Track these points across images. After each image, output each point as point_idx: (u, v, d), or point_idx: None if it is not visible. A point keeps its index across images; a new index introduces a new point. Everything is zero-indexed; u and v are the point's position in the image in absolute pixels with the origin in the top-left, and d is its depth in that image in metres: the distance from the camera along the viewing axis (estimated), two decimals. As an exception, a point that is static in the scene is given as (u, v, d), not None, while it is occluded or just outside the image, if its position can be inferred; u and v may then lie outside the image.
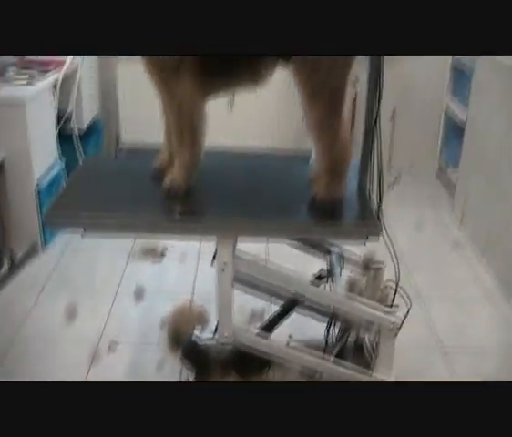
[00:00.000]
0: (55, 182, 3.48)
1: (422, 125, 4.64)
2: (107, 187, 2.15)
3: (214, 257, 2.01)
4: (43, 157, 3.43)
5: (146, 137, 3.70)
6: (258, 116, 4.24)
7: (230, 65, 1.92)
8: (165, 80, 1.92)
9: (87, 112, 4.04)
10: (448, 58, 4.47)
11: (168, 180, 2.01)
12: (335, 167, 1.95)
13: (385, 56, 1.94)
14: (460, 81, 4.29)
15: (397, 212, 3.94)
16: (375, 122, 2.03)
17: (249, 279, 2.20)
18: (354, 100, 3.89)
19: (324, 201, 1.96)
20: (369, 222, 1.95)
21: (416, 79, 4.53)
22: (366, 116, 2.07)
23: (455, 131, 4.31)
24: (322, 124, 1.90)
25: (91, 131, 4.17)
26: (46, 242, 3.45)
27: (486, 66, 3.63)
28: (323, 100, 1.87)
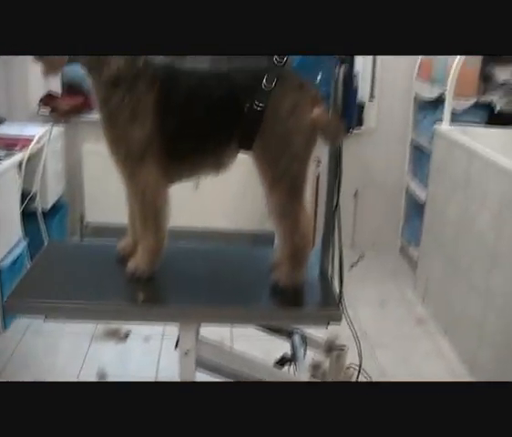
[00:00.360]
0: (17, 262, 3.45)
1: (384, 204, 4.75)
2: (71, 271, 2.14)
3: (177, 343, 2.00)
4: (6, 237, 3.41)
5: (111, 216, 3.71)
6: (223, 196, 4.28)
7: (193, 152, 1.97)
8: (129, 167, 1.95)
9: (51, 191, 4.04)
10: (408, 139, 4.61)
11: (131, 266, 2.02)
12: (296, 254, 1.98)
13: (346, 138, 2.01)
14: (420, 161, 4.42)
15: (361, 289, 4.00)
16: (336, 207, 2.08)
17: (213, 364, 2.19)
18: (317, 182, 3.97)
19: (286, 287, 1.98)
20: (330, 308, 1.97)
21: (378, 159, 4.67)
22: (327, 200, 2.12)
23: (416, 210, 4.41)
24: (283, 210, 1.94)
25: (56, 210, 4.17)
26: (6, 325, 3.40)
27: (443, 147, 3.75)
28: (284, 187, 1.91)
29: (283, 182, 1.91)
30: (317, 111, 1.87)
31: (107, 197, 4.01)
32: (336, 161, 2.04)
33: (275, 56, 1.87)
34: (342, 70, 1.95)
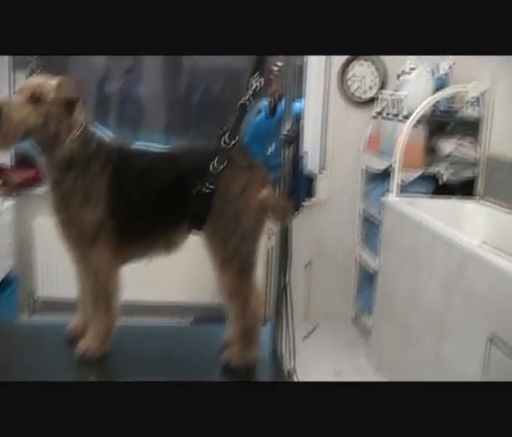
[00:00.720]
0: (-36, 341, 3.36)
1: (336, 274, 4.80)
2: (19, 353, 2.10)
3: (128, 425, 1.97)
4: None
5: (63, 290, 3.67)
6: (176, 269, 4.26)
7: (145, 234, 1.98)
8: (80, 249, 1.94)
9: (1, 266, 3.98)
10: (358, 209, 4.70)
11: (82, 347, 1.99)
12: (247, 333, 1.98)
13: (294, 217, 2.05)
14: (370, 231, 4.51)
15: (315, 360, 4.00)
16: (285, 285, 2.10)
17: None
18: (269, 255, 4.00)
19: (238, 367, 1.98)
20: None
21: (329, 230, 4.74)
22: (278, 277, 2.15)
23: (368, 279, 4.48)
24: (233, 291, 1.95)
25: (5, 285, 4.09)
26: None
27: (392, 219, 3.83)
28: (235, 268, 1.93)
29: (233, 263, 1.93)
30: (266, 192, 1.92)
31: (58, 271, 3.98)
32: (285, 239, 2.08)
33: (224, 138, 1.91)
34: (288, 151, 2.00)
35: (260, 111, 4.01)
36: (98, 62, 4.91)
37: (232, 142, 1.91)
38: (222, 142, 1.91)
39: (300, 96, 4.60)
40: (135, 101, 5.05)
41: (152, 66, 4.99)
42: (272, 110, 3.63)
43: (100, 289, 1.96)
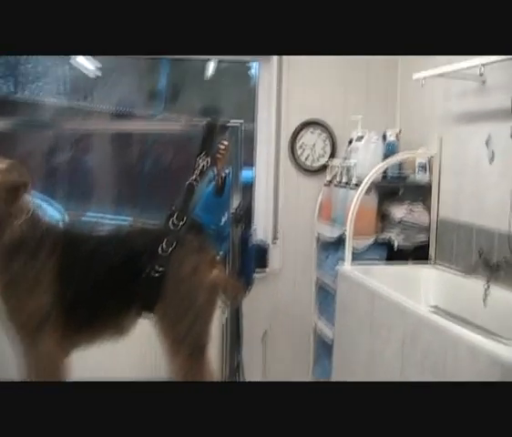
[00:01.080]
0: None
1: (293, 344, 4.74)
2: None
3: None
4: None
5: (8, 373, 3.53)
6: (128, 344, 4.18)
7: (93, 319, 1.94)
8: (27, 337, 1.89)
9: None
10: (313, 278, 4.69)
11: None
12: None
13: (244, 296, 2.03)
14: (325, 300, 4.49)
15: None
16: (238, 363, 2.08)
17: None
18: (224, 329, 3.95)
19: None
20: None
21: (284, 300, 4.70)
22: (231, 354, 2.12)
23: (324, 348, 4.43)
24: (186, 371, 1.92)
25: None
26: None
27: (346, 287, 3.83)
28: (186, 350, 1.91)
29: (185, 344, 1.90)
30: (216, 272, 1.90)
31: (4, 353, 3.84)
32: (237, 318, 2.06)
33: (172, 219, 1.90)
34: (238, 230, 2.00)
35: (211, 180, 4.00)
36: (46, 133, 4.86)
37: (181, 223, 1.90)
38: (171, 223, 1.89)
39: (250, 164, 4.62)
40: (84, 172, 4.99)
41: (101, 136, 4.96)
42: (220, 189, 3.60)
43: (47, 377, 1.90)
